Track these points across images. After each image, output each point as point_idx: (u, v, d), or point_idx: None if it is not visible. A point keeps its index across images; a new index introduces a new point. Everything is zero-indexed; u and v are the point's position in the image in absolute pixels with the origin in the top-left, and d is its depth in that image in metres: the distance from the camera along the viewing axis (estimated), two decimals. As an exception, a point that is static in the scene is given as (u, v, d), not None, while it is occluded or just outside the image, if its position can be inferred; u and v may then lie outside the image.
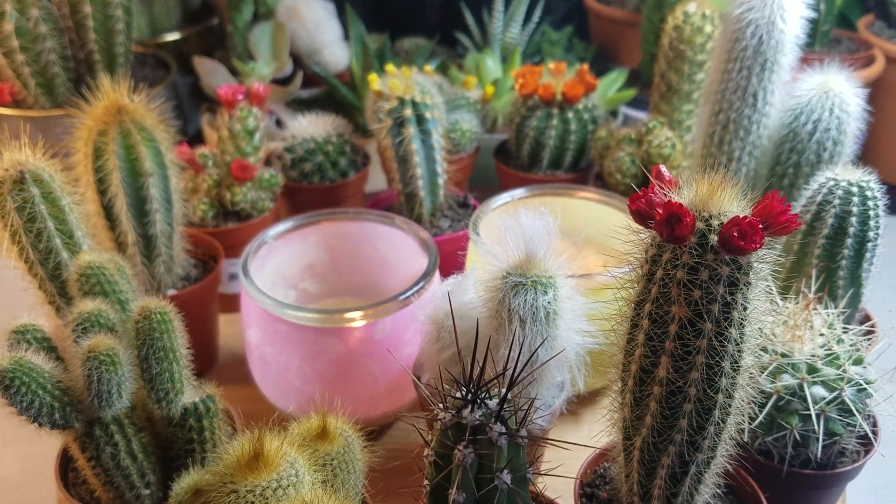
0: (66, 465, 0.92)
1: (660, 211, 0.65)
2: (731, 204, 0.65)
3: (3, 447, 1.23)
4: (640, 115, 1.68)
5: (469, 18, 1.81)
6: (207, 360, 1.26)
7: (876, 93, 1.71)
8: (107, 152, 1.03)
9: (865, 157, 1.78)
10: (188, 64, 1.73)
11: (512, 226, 0.85)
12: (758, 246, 0.63)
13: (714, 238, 0.64)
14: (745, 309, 0.68)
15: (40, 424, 0.79)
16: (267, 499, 0.69)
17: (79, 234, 0.95)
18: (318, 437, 0.80)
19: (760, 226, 0.63)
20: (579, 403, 1.14)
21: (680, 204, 0.65)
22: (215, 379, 1.12)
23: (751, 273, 0.67)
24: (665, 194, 0.68)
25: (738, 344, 0.69)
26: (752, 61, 1.07)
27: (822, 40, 1.71)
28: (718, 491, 0.81)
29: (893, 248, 1.69)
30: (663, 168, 0.71)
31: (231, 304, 1.34)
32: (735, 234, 0.63)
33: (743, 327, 0.68)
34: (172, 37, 1.85)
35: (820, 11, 1.66)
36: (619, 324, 0.74)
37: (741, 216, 0.63)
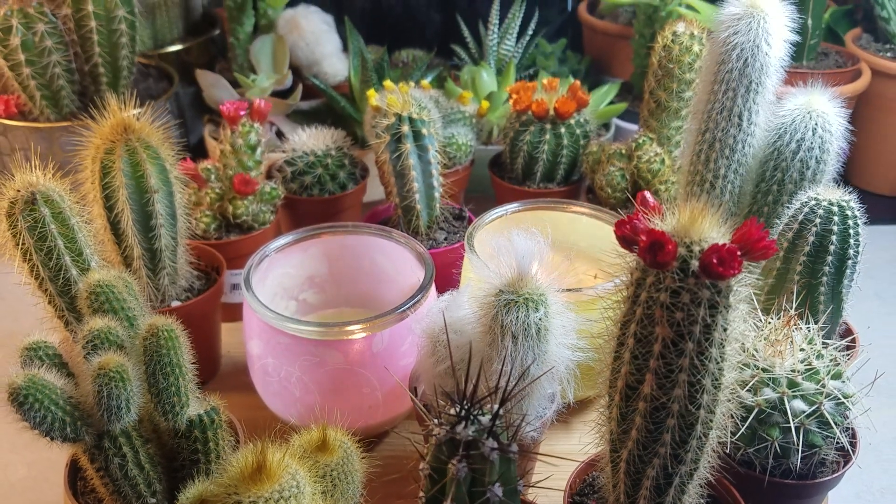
0: (74, 475, 0.96)
1: (643, 238, 0.69)
2: (712, 231, 0.69)
3: (11, 454, 1.26)
4: (631, 126, 1.71)
5: (465, 31, 1.85)
6: (210, 369, 1.30)
7: (862, 105, 1.76)
8: (114, 170, 1.06)
9: (853, 167, 1.82)
10: (190, 74, 1.76)
11: (504, 245, 0.88)
12: (736, 272, 0.67)
13: (695, 263, 0.68)
14: (724, 330, 0.71)
15: (52, 438, 0.82)
16: (269, 509, 0.72)
17: (87, 252, 0.98)
18: (319, 448, 0.83)
19: (739, 252, 0.67)
20: (570, 413, 1.17)
21: (663, 231, 0.68)
22: (218, 387, 1.15)
23: (730, 296, 0.70)
24: (649, 220, 0.71)
25: (718, 362, 0.72)
26: (737, 83, 1.10)
27: (810, 55, 1.75)
28: (701, 501, 0.85)
29: (878, 257, 1.73)
30: (648, 194, 0.75)
31: (233, 313, 1.38)
32: (714, 260, 0.66)
33: (723, 347, 0.72)
34: (175, 48, 1.88)
35: (807, 26, 1.69)
36: (606, 342, 0.78)
37: (720, 243, 0.67)
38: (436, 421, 0.69)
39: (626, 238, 0.72)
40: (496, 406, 0.69)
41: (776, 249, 0.70)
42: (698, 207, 0.69)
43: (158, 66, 1.79)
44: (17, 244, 0.93)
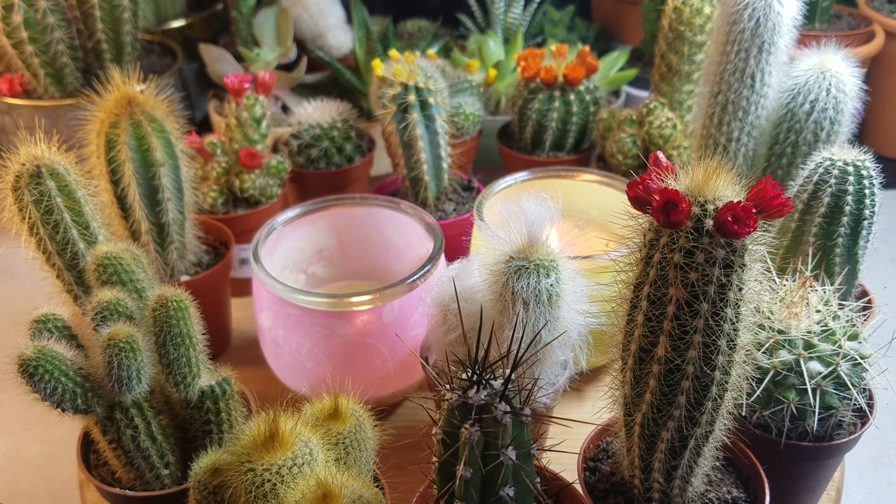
0: (87, 448, 0.96)
1: (657, 197, 0.67)
2: (726, 189, 0.68)
3: (25, 431, 1.27)
4: (642, 93, 1.69)
5: (471, 0, 1.82)
6: (221, 343, 1.30)
7: (876, 68, 1.73)
8: (119, 144, 1.06)
9: (866, 131, 1.80)
10: (194, 50, 1.75)
11: (514, 211, 0.87)
12: (751, 230, 0.66)
13: (709, 222, 0.66)
14: (740, 289, 0.70)
15: (63, 410, 0.82)
16: (283, 476, 0.72)
17: (94, 225, 0.98)
18: (331, 417, 0.83)
19: (754, 210, 0.66)
20: (583, 380, 1.17)
21: (676, 190, 0.67)
22: (229, 361, 1.15)
23: (745, 255, 0.69)
24: (662, 180, 0.70)
25: (733, 323, 0.71)
26: (749, 43, 1.08)
27: (823, 17, 1.71)
28: (717, 463, 0.84)
29: (894, 222, 1.71)
30: (660, 154, 0.73)
31: (242, 288, 1.37)
32: (729, 218, 0.65)
33: (738, 307, 0.71)
34: (178, 23, 1.87)
35: (820, -13, 1.66)
36: (619, 305, 0.77)
37: (735, 201, 0.66)
38: (448, 386, 0.69)
39: (639, 198, 0.70)
40: (508, 371, 0.68)
41: (791, 207, 0.68)
42: (712, 166, 0.68)
43: (162, 41, 1.77)
44: (24, 218, 0.92)
